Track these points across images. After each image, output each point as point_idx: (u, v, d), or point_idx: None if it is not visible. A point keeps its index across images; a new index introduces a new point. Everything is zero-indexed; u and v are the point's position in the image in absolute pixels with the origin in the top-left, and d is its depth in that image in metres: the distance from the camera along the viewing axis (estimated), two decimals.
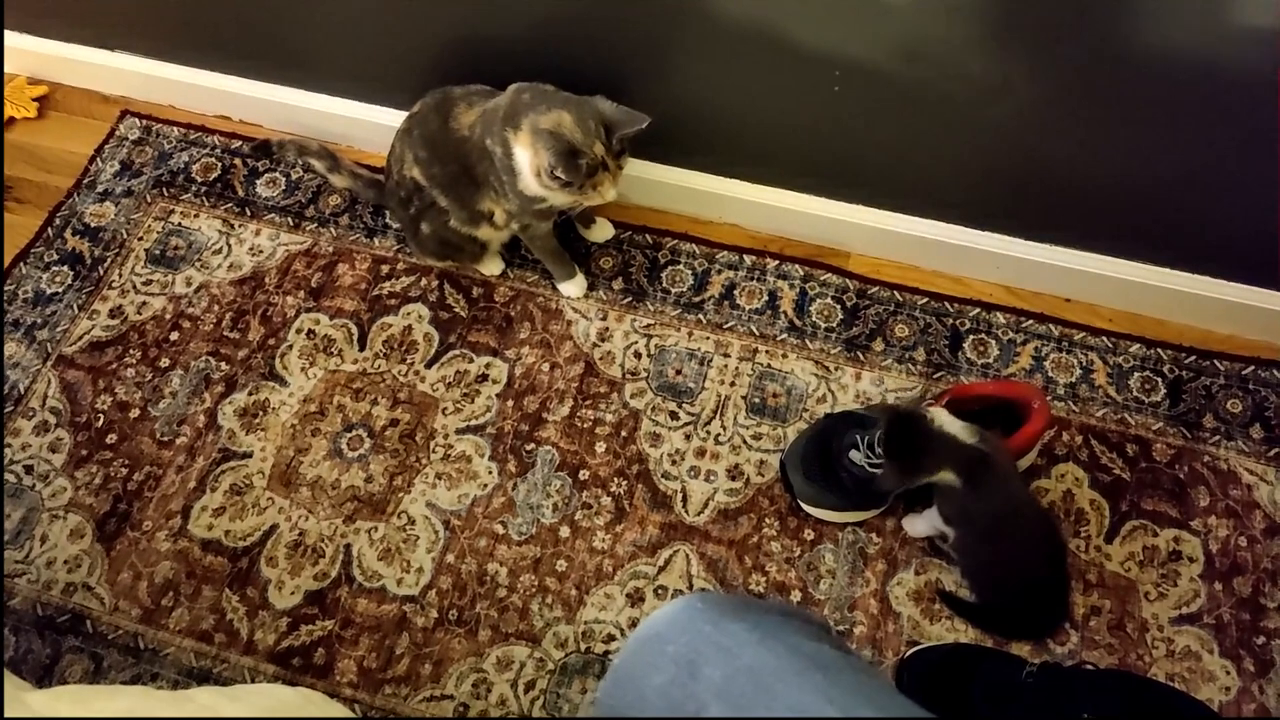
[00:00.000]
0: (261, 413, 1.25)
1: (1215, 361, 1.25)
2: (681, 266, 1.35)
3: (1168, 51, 0.96)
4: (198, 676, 1.09)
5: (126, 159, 1.47)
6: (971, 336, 1.28)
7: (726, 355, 1.27)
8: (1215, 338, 1.28)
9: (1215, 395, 1.23)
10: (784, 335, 1.29)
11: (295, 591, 1.13)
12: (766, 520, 1.16)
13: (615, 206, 1.33)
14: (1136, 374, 1.25)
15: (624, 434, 1.22)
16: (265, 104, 1.45)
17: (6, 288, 1.35)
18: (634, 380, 1.26)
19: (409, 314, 1.32)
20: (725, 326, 1.30)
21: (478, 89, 1.16)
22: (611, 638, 1.10)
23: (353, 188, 1.39)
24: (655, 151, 1.31)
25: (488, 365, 1.27)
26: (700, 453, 1.21)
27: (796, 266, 1.34)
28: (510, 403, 1.24)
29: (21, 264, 1.37)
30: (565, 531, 1.16)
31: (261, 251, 1.37)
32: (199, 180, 1.44)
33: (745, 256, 1.35)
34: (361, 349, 1.29)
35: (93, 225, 1.41)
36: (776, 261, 1.34)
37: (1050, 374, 1.25)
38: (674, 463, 1.20)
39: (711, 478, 1.19)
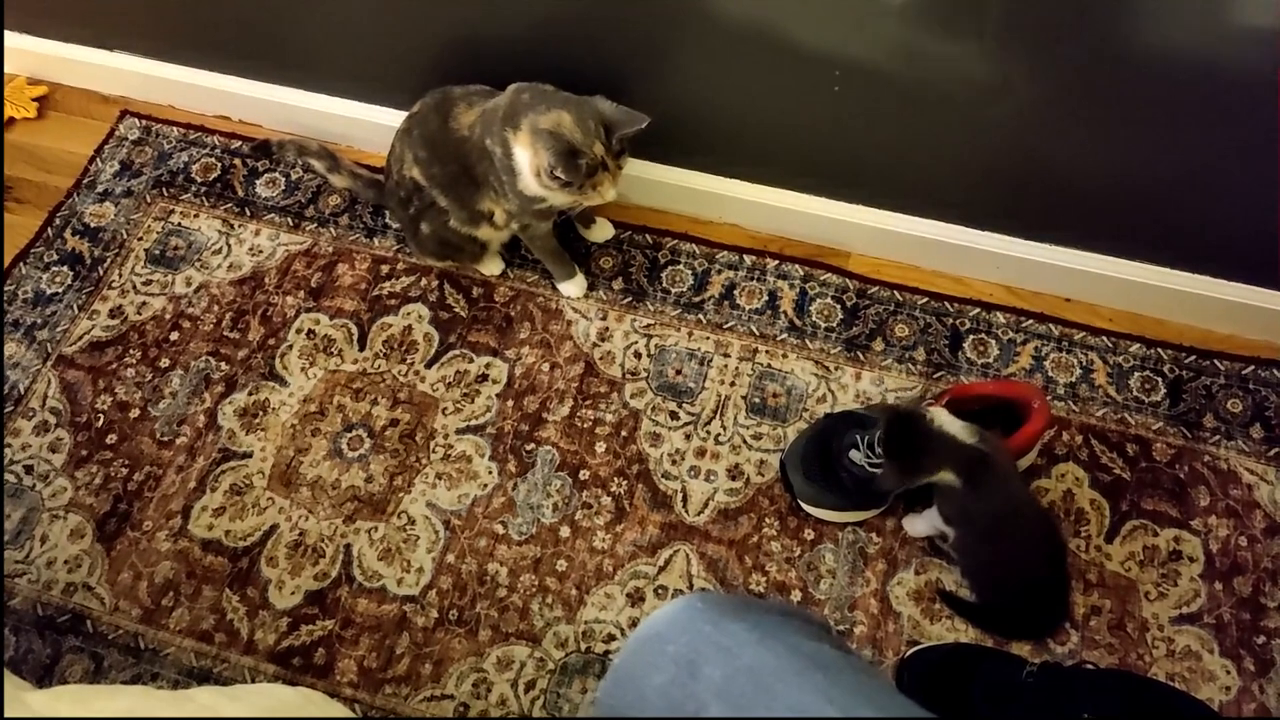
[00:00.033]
0: (261, 413, 1.25)
1: (1215, 361, 1.25)
2: (681, 266, 1.35)
3: (1168, 51, 0.96)
4: (198, 676, 1.09)
5: (126, 159, 1.47)
6: (971, 336, 1.28)
7: (726, 355, 1.27)
8: (1215, 337, 1.28)
9: (1215, 395, 1.23)
10: (784, 335, 1.29)
11: (295, 591, 1.13)
12: (766, 520, 1.16)
13: (615, 206, 1.33)
14: (1136, 374, 1.25)
15: (624, 434, 1.22)
16: (265, 104, 1.45)
17: (6, 288, 1.35)
18: (634, 380, 1.26)
19: (409, 314, 1.32)
20: (725, 326, 1.30)
21: (478, 89, 1.16)
22: (612, 637, 1.10)
23: (352, 188, 1.39)
24: (655, 151, 1.31)
25: (488, 365, 1.27)
26: (700, 453, 1.21)
27: (796, 266, 1.34)
28: (510, 403, 1.24)
29: (21, 264, 1.37)
30: (565, 531, 1.16)
31: (261, 251, 1.37)
32: (199, 180, 1.44)
33: (745, 256, 1.35)
34: (361, 349, 1.29)
35: (92, 225, 1.41)
36: (776, 261, 1.34)
37: (1050, 374, 1.25)
38: (674, 463, 1.20)
39: (711, 478, 1.19)
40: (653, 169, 1.34)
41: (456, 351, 1.29)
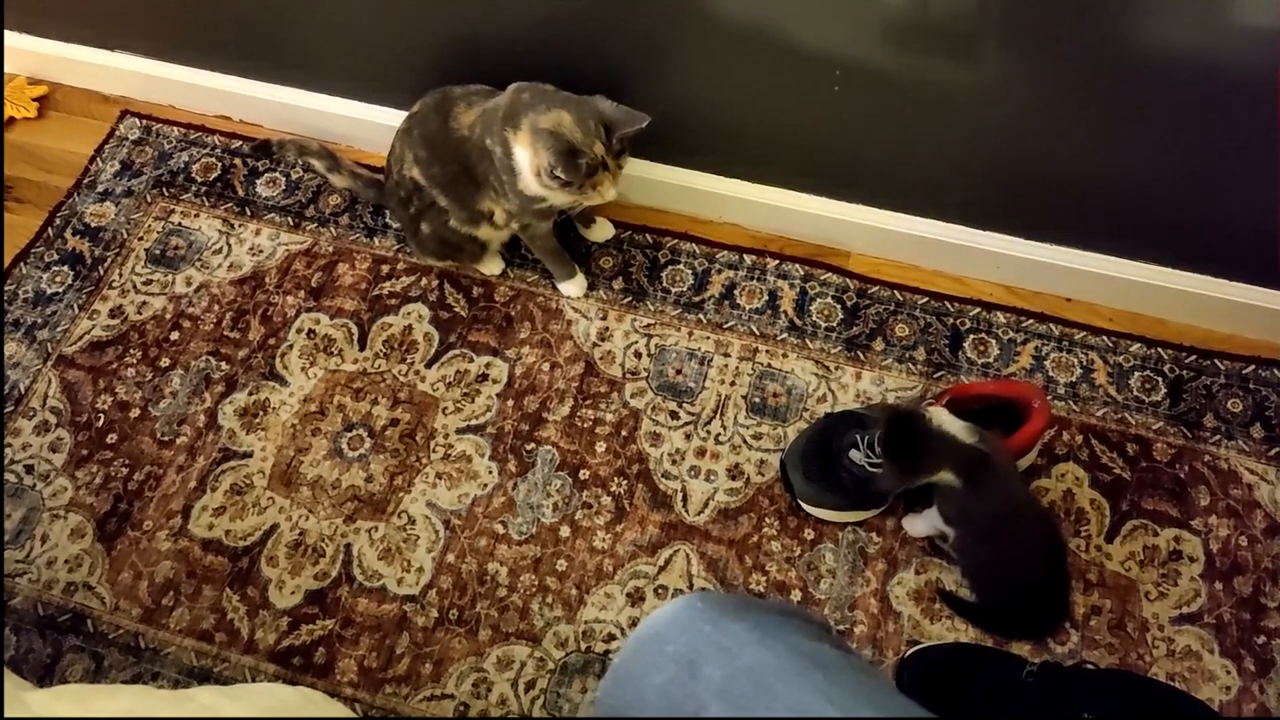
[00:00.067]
0: (262, 412, 1.25)
1: (1215, 361, 1.25)
2: (681, 266, 1.35)
3: (1168, 51, 0.96)
4: (198, 676, 1.09)
5: (126, 159, 1.47)
6: (972, 336, 1.28)
7: (727, 355, 1.27)
8: (1216, 337, 1.27)
9: (1216, 395, 1.23)
10: (784, 335, 1.29)
11: (296, 591, 1.13)
12: (766, 520, 1.16)
13: (615, 206, 1.33)
14: (1137, 373, 1.25)
15: (624, 434, 1.22)
16: (265, 104, 1.45)
17: (7, 288, 1.35)
18: (634, 380, 1.26)
19: (409, 314, 1.32)
20: (725, 326, 1.30)
21: (478, 89, 1.17)
22: (612, 637, 1.10)
23: (353, 187, 1.39)
24: (655, 151, 1.31)
25: (488, 365, 1.27)
26: (700, 452, 1.21)
27: (796, 266, 1.34)
28: (510, 402, 1.24)
29: (22, 264, 1.37)
30: (565, 531, 1.16)
31: (261, 251, 1.37)
32: (199, 180, 1.44)
33: (745, 256, 1.35)
34: (362, 349, 1.29)
35: (93, 225, 1.41)
36: (776, 261, 1.34)
37: (1050, 373, 1.25)
38: (674, 462, 1.20)
39: (712, 477, 1.19)
40: (653, 169, 1.34)
41: (456, 351, 1.29)
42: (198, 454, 1.22)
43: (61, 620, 1.12)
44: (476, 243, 1.26)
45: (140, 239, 1.39)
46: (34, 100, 1.53)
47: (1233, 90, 0.97)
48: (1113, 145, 1.09)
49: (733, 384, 1.25)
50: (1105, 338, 1.27)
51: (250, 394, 1.26)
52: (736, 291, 1.32)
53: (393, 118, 1.29)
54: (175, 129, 1.49)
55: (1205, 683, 1.06)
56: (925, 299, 1.31)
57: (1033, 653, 1.08)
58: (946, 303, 1.30)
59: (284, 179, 1.44)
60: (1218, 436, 1.20)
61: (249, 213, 1.41)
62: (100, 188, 1.44)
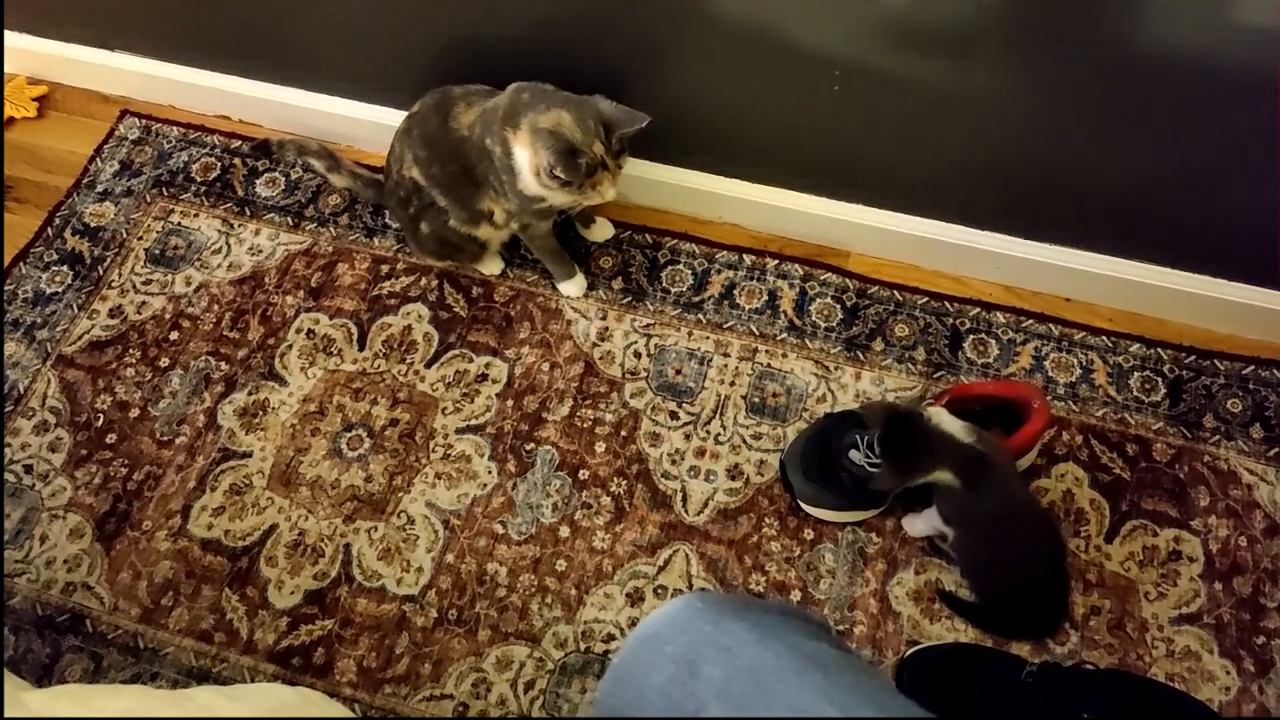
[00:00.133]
0: (261, 412, 1.25)
1: (1215, 361, 1.25)
2: (681, 266, 1.34)
3: (1168, 51, 0.96)
4: (197, 676, 1.09)
5: (126, 159, 1.47)
6: (971, 336, 1.28)
7: (726, 355, 1.27)
8: (1215, 337, 1.27)
9: (1215, 395, 1.23)
10: (784, 335, 1.29)
11: (295, 591, 1.13)
12: (766, 520, 1.16)
13: (615, 206, 1.33)
14: (1136, 374, 1.25)
15: (624, 434, 1.22)
16: (265, 104, 1.45)
17: (6, 287, 1.35)
18: (634, 380, 1.26)
19: (409, 314, 1.32)
20: (725, 326, 1.30)
21: (477, 89, 1.16)
22: (611, 637, 1.10)
23: (352, 187, 1.39)
24: (655, 151, 1.31)
25: (487, 365, 1.27)
26: (700, 452, 1.21)
27: (796, 266, 1.34)
28: (510, 402, 1.24)
29: (21, 264, 1.37)
30: (565, 531, 1.16)
31: (261, 251, 1.37)
32: (199, 180, 1.44)
33: (745, 256, 1.35)
34: (361, 349, 1.29)
35: (92, 225, 1.41)
36: (776, 261, 1.34)
37: (1050, 374, 1.25)
38: (674, 462, 1.20)
39: (711, 477, 1.19)
40: (653, 169, 1.34)
41: (456, 351, 1.29)
42: (197, 454, 1.22)
43: (60, 620, 1.12)
44: (476, 243, 1.26)
45: (140, 239, 1.39)
46: (34, 100, 1.53)
47: (1233, 90, 0.97)
48: (1113, 145, 1.09)
49: (732, 384, 1.25)
50: (1105, 338, 1.27)
51: (250, 394, 1.26)
52: (736, 291, 1.32)
53: (393, 118, 1.29)
54: (175, 129, 1.49)
55: (1205, 683, 1.06)
56: (925, 299, 1.31)
57: (1032, 653, 1.08)
58: (946, 303, 1.30)
59: (284, 179, 1.44)
60: (1217, 437, 1.20)
61: (248, 212, 1.41)
62: (100, 187, 1.44)
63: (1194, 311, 1.27)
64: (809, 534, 1.15)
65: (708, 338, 1.29)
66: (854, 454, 1.09)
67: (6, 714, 0.68)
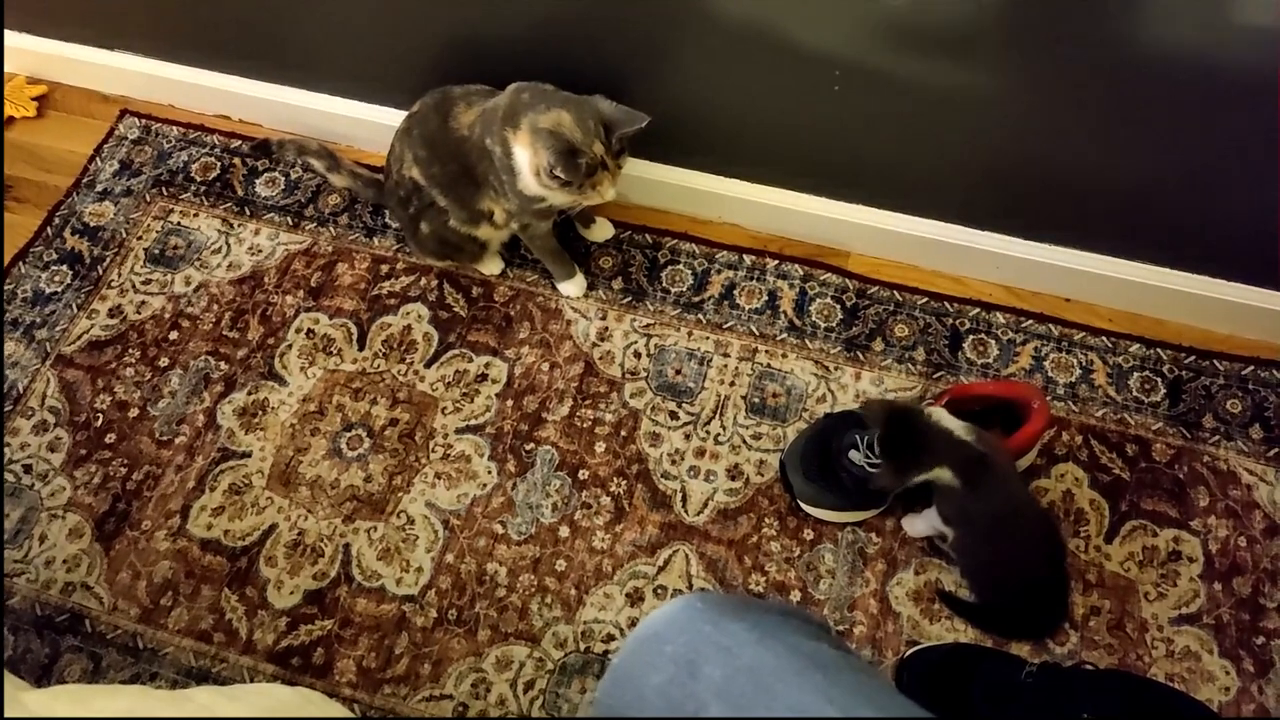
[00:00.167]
0: (261, 412, 1.25)
1: (1215, 361, 1.25)
2: (681, 266, 1.34)
3: (1168, 51, 0.96)
4: (197, 676, 1.09)
5: (126, 158, 1.47)
6: (971, 336, 1.28)
7: (726, 355, 1.27)
8: (1215, 338, 1.27)
9: (1215, 395, 1.23)
10: (784, 335, 1.29)
11: (294, 591, 1.13)
12: (766, 520, 1.16)
13: (615, 206, 1.33)
14: (1136, 374, 1.25)
15: (624, 434, 1.22)
16: (265, 104, 1.45)
17: (6, 287, 1.35)
18: (634, 380, 1.26)
19: (408, 313, 1.32)
20: (725, 326, 1.30)
21: (477, 89, 1.16)
22: (611, 637, 1.10)
23: (352, 187, 1.39)
24: (655, 151, 1.31)
25: (487, 365, 1.27)
26: (700, 452, 1.21)
27: (796, 266, 1.34)
28: (510, 402, 1.24)
29: (21, 263, 1.37)
30: (565, 531, 1.16)
31: (261, 251, 1.37)
32: (198, 180, 1.44)
33: (745, 256, 1.35)
34: (361, 348, 1.29)
35: (92, 225, 1.40)
36: (776, 261, 1.34)
37: (1050, 374, 1.25)
38: (674, 462, 1.20)
39: (711, 477, 1.19)
40: (653, 169, 1.34)
41: (456, 351, 1.29)
42: (196, 454, 1.22)
43: (60, 620, 1.12)
44: (476, 242, 1.26)
45: (139, 238, 1.39)
46: (34, 100, 1.53)
47: (1233, 90, 0.97)
48: (1112, 145, 1.09)
49: (732, 384, 1.25)
50: (1104, 338, 1.27)
51: (249, 394, 1.26)
52: (736, 291, 1.32)
53: (392, 118, 1.29)
54: (175, 128, 1.49)
55: (1204, 683, 1.06)
56: (925, 299, 1.31)
57: (1032, 653, 1.08)
58: (946, 303, 1.30)
59: (283, 179, 1.44)
60: (1217, 437, 1.20)
61: (248, 212, 1.41)
62: (99, 187, 1.44)
63: (1194, 312, 1.27)
64: (809, 534, 1.15)
65: (708, 338, 1.29)
66: (854, 454, 1.09)
67: (6, 714, 0.68)
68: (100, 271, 1.36)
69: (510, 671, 1.08)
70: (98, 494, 1.19)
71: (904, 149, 1.19)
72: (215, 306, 1.33)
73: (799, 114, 1.18)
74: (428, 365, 1.27)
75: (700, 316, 1.30)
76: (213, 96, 1.48)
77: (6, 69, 1.54)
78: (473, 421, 1.23)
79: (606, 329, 1.29)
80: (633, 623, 1.10)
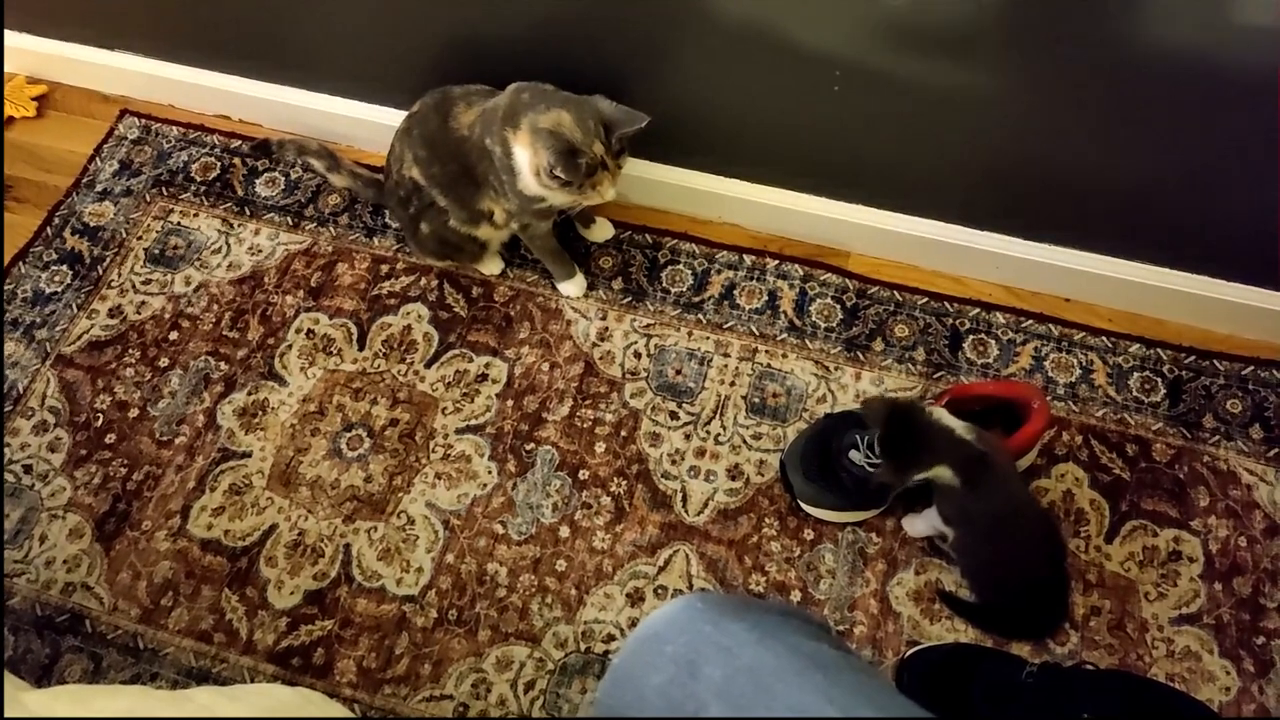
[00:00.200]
0: (261, 412, 1.25)
1: (1215, 361, 1.25)
2: (681, 266, 1.34)
3: (1168, 51, 0.96)
4: (197, 676, 1.09)
5: (126, 158, 1.47)
6: (971, 336, 1.28)
7: (726, 355, 1.27)
8: (1215, 338, 1.27)
9: (1215, 395, 1.23)
10: (784, 335, 1.29)
11: (295, 591, 1.13)
12: (766, 520, 1.16)
13: (615, 206, 1.33)
14: (1136, 374, 1.25)
15: (624, 434, 1.22)
16: (265, 104, 1.45)
17: (6, 287, 1.35)
18: (634, 380, 1.25)
19: (408, 313, 1.32)
20: (725, 326, 1.30)
21: (477, 89, 1.16)
22: (611, 638, 1.10)
23: (352, 187, 1.39)
24: (655, 151, 1.31)
25: (487, 365, 1.27)
26: (700, 452, 1.21)
27: (796, 266, 1.34)
28: (510, 402, 1.24)
29: (21, 263, 1.37)
30: (565, 531, 1.16)
31: (261, 251, 1.37)
32: (198, 180, 1.44)
33: (745, 256, 1.35)
34: (361, 349, 1.29)
35: (92, 225, 1.40)
36: (776, 261, 1.34)
37: (1050, 374, 1.25)
38: (674, 462, 1.20)
39: (711, 478, 1.19)
40: (653, 169, 1.34)
41: (456, 351, 1.29)
42: (196, 454, 1.22)
43: (60, 620, 1.12)
44: (476, 242, 1.26)
45: (139, 238, 1.39)
46: (34, 100, 1.53)
47: (1233, 90, 0.97)
48: (1112, 145, 1.09)
49: (732, 384, 1.25)
50: (1104, 338, 1.27)
51: (249, 394, 1.26)
52: (736, 292, 1.32)
53: (393, 118, 1.29)
54: (175, 128, 1.49)
55: (1205, 683, 1.06)
56: (925, 299, 1.31)
57: (1033, 653, 1.08)
58: (946, 303, 1.30)
59: (283, 179, 1.44)
60: (1217, 437, 1.20)
61: (248, 212, 1.41)
62: (99, 187, 1.44)
63: (1193, 312, 1.27)
64: (809, 534, 1.15)
65: (708, 338, 1.29)
66: (854, 454, 1.09)
67: (6, 714, 0.68)
68: (100, 271, 1.36)
69: (511, 672, 1.08)
70: (98, 494, 1.19)
71: (904, 149, 1.19)
72: (215, 306, 1.32)
73: (799, 114, 1.18)
74: (428, 365, 1.27)
75: (700, 316, 1.30)
76: (213, 96, 1.48)
77: (6, 69, 1.54)
78: (473, 421, 1.23)
79: (607, 329, 1.29)
80: (633, 623, 1.10)
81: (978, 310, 1.30)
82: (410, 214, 1.24)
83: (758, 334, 1.29)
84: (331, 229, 1.39)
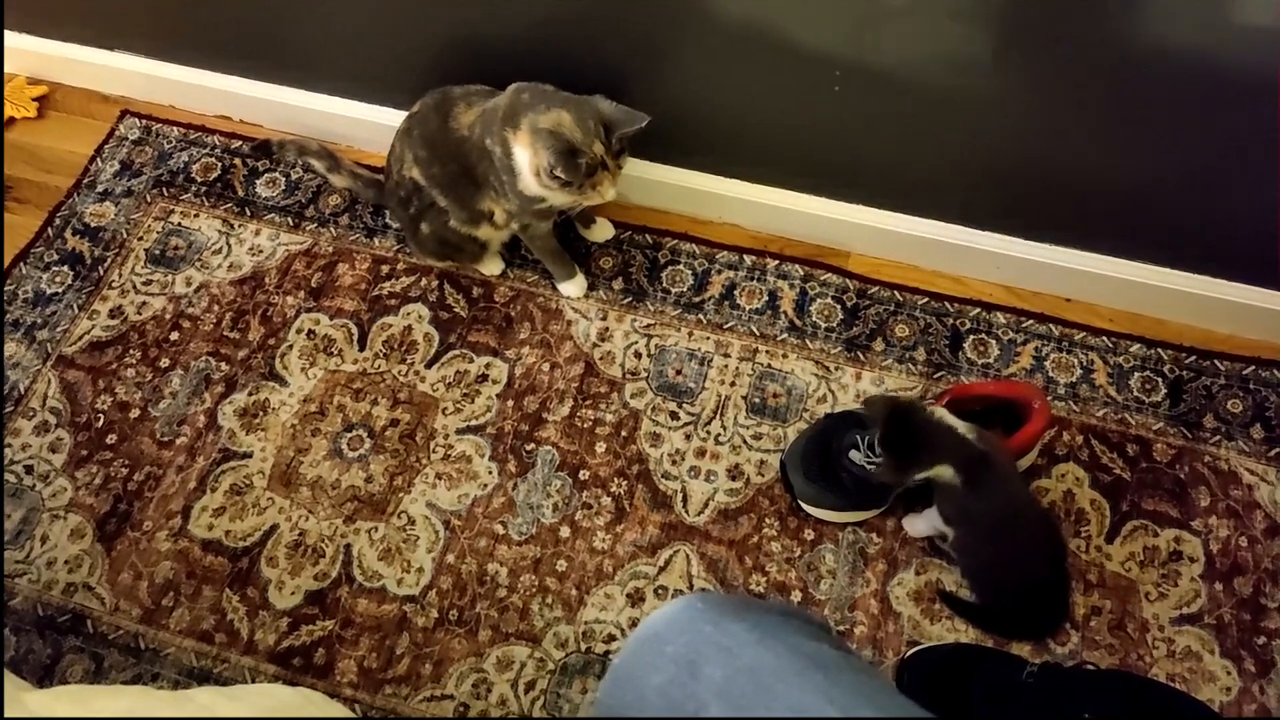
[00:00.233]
0: (261, 413, 1.25)
1: (1215, 361, 1.25)
2: (681, 266, 1.34)
3: (1168, 51, 0.96)
4: (198, 676, 1.09)
5: (126, 159, 1.47)
6: (972, 336, 1.28)
7: (726, 355, 1.27)
8: (1215, 338, 1.27)
9: (1215, 395, 1.23)
10: (784, 335, 1.29)
11: (295, 591, 1.13)
12: (767, 520, 1.16)
13: (615, 206, 1.33)
14: (1137, 374, 1.25)
15: (624, 434, 1.22)
16: (265, 104, 1.45)
17: (6, 288, 1.35)
18: (634, 380, 1.26)
19: (409, 314, 1.32)
20: (725, 326, 1.30)
21: (477, 89, 1.17)
22: (612, 638, 1.10)
23: (352, 188, 1.39)
24: (655, 151, 1.31)
25: (488, 365, 1.27)
26: (700, 453, 1.21)
27: (796, 266, 1.34)
28: (510, 403, 1.24)
29: (21, 264, 1.37)
30: (565, 531, 1.16)
31: (261, 251, 1.37)
32: (199, 180, 1.44)
33: (745, 256, 1.35)
34: (361, 349, 1.29)
35: (93, 225, 1.41)
36: (776, 261, 1.34)
37: (1050, 374, 1.25)
38: (674, 463, 1.20)
39: (711, 478, 1.19)
40: (653, 169, 1.34)
41: (456, 351, 1.29)
42: (197, 454, 1.22)
43: (61, 621, 1.12)
44: (476, 243, 1.26)
45: (140, 239, 1.39)
46: (34, 100, 1.53)
47: (1233, 90, 0.97)
48: (1113, 145, 1.09)
49: (733, 384, 1.25)
50: (1105, 338, 1.27)
51: (250, 394, 1.26)
52: (736, 292, 1.32)
53: (393, 118, 1.29)
54: (175, 129, 1.49)
55: (1205, 683, 1.06)
56: (925, 299, 1.31)
57: (1033, 653, 1.08)
58: (946, 303, 1.30)
59: (284, 179, 1.44)
60: (1218, 437, 1.20)
61: (249, 213, 1.41)
62: (100, 188, 1.44)
63: (1194, 312, 1.27)
64: (809, 534, 1.15)
65: (708, 338, 1.29)
66: (854, 454, 1.09)
67: (7, 714, 0.68)
68: (101, 272, 1.36)
69: (511, 672, 1.08)
70: (99, 495, 1.19)
71: (904, 149, 1.19)
72: (216, 307, 1.33)
73: (799, 114, 1.18)
74: (428, 366, 1.28)
75: (701, 317, 1.30)
76: (213, 97, 1.48)
77: (6, 69, 1.54)
78: (473, 422, 1.23)
79: (607, 329, 1.29)
80: (633, 623, 1.11)
81: (978, 310, 1.30)
82: (411, 214, 1.24)
83: (758, 334, 1.29)
84: (332, 229, 1.39)
